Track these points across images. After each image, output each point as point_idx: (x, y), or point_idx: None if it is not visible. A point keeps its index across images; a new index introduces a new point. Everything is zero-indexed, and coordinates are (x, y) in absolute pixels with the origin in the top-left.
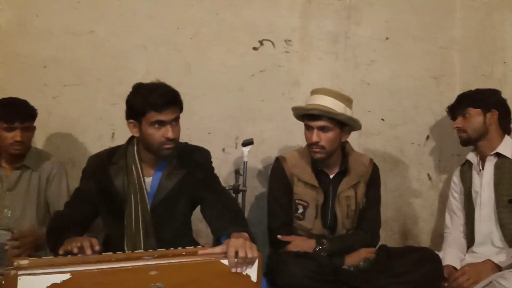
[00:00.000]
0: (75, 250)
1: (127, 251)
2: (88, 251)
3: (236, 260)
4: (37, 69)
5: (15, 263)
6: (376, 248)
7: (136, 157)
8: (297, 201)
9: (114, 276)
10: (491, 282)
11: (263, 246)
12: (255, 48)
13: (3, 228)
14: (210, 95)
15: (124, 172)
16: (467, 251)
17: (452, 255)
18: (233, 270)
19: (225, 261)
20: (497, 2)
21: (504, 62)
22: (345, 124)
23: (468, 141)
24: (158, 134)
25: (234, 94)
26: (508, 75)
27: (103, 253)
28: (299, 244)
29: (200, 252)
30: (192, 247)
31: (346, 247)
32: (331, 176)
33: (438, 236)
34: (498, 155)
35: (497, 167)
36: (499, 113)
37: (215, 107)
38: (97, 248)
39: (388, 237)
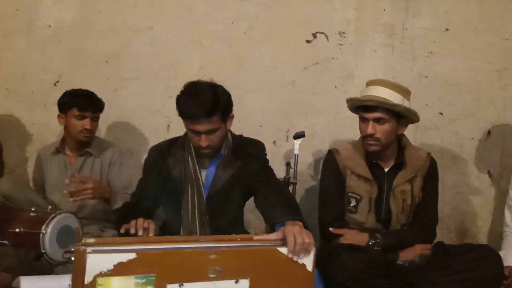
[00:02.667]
0: (132, 231)
1: None
2: (140, 232)
3: (294, 245)
4: (100, 63)
5: (83, 241)
6: (432, 245)
7: (193, 149)
8: (349, 194)
9: (177, 257)
10: None
11: (315, 240)
12: (308, 41)
13: (68, 211)
14: (262, 89)
15: (181, 163)
16: None
17: None
18: (291, 256)
19: (282, 249)
20: None
21: None
22: (402, 116)
23: None
24: (194, 140)
25: (286, 88)
26: None
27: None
28: (351, 237)
29: (255, 238)
30: (248, 234)
31: (400, 243)
32: (386, 170)
33: (498, 236)
34: None
35: None
36: None
37: (267, 101)
38: (151, 233)
39: (444, 235)
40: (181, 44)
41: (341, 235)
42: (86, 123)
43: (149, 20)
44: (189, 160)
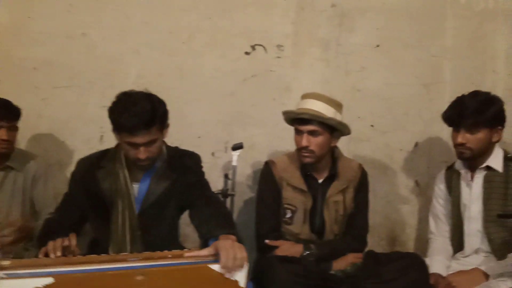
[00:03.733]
0: (51, 255)
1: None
2: (58, 253)
3: (226, 261)
4: (29, 71)
5: None
6: (364, 253)
7: (124, 161)
8: (285, 205)
9: (99, 281)
10: None
11: (251, 252)
12: (247, 53)
13: None
14: (202, 100)
15: (111, 177)
16: (453, 258)
17: (438, 263)
18: (223, 272)
19: (213, 266)
20: (488, 12)
21: (494, 71)
22: (335, 129)
23: (470, 158)
24: (131, 153)
25: (226, 99)
26: (498, 84)
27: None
28: (286, 248)
29: (186, 254)
30: (180, 250)
31: (333, 252)
32: (320, 181)
33: (425, 242)
34: (487, 167)
35: (486, 181)
36: (503, 128)
37: (207, 111)
38: (73, 242)
39: (375, 243)
40: (118, 52)
41: (277, 247)
42: (2, 133)
43: (83, 27)
44: (120, 173)
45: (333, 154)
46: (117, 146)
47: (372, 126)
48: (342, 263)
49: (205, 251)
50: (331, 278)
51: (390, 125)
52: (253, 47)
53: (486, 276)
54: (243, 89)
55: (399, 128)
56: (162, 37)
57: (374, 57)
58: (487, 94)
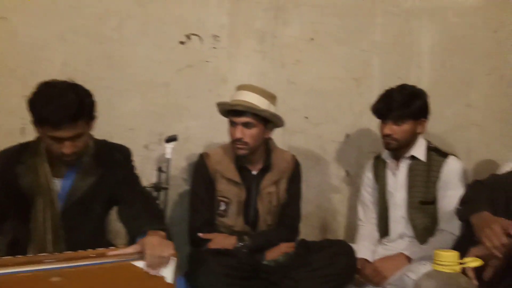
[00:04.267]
0: None
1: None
2: None
3: (151, 259)
4: None
5: None
6: (296, 242)
7: (45, 156)
8: (219, 198)
9: (12, 285)
10: (402, 275)
11: (186, 245)
12: (182, 43)
13: None
14: (134, 90)
15: (32, 172)
16: (380, 243)
17: (365, 248)
18: (148, 270)
19: (137, 263)
20: (415, 9)
21: (419, 66)
22: (269, 121)
23: (396, 149)
24: (54, 148)
25: (160, 89)
26: (422, 78)
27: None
28: (220, 241)
29: (109, 253)
30: (104, 248)
31: (267, 243)
32: (254, 173)
33: (354, 229)
34: (412, 157)
35: (410, 169)
36: (427, 120)
37: (139, 103)
38: None
39: (309, 231)
40: (42, 38)
41: (210, 240)
42: None
43: (3, 10)
44: (40, 168)
45: (267, 146)
46: (38, 138)
47: (306, 118)
48: (275, 253)
49: (130, 249)
50: (263, 268)
51: (322, 117)
52: (188, 37)
53: (409, 260)
54: (178, 79)
55: (331, 120)
56: (90, 23)
57: (308, 51)
58: (413, 88)
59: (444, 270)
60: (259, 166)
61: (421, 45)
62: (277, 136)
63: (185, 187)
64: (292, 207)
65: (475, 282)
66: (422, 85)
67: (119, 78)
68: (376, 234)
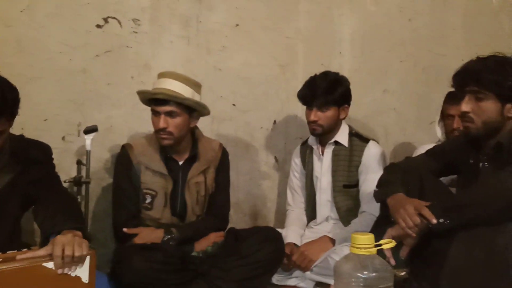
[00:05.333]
0: None
1: None
2: None
3: (63, 260)
4: None
5: None
6: (225, 231)
7: None
8: (144, 190)
9: None
10: (326, 257)
11: (112, 242)
12: (99, 26)
13: None
14: (48, 77)
15: None
16: (307, 226)
17: (293, 232)
18: (60, 271)
19: (49, 264)
20: None
21: (341, 53)
22: (194, 110)
23: (322, 134)
24: None
25: (76, 76)
26: (344, 65)
27: None
28: (146, 235)
29: (18, 257)
30: (15, 251)
31: (196, 234)
32: (181, 163)
33: (284, 214)
34: (336, 142)
35: (334, 154)
36: (349, 106)
37: (54, 91)
38: None
39: (239, 219)
40: None
41: (136, 235)
42: None
43: None
44: None
45: (193, 135)
46: None
47: (234, 105)
48: (204, 244)
49: (42, 251)
50: (192, 260)
51: (250, 104)
52: (105, 20)
53: (333, 242)
54: (96, 66)
55: (259, 107)
56: None
57: (234, 37)
58: (335, 75)
59: (360, 253)
60: (186, 155)
61: (342, 33)
62: (205, 124)
63: (108, 180)
64: (220, 196)
65: (392, 261)
66: (343, 72)
67: (30, 64)
68: (304, 218)
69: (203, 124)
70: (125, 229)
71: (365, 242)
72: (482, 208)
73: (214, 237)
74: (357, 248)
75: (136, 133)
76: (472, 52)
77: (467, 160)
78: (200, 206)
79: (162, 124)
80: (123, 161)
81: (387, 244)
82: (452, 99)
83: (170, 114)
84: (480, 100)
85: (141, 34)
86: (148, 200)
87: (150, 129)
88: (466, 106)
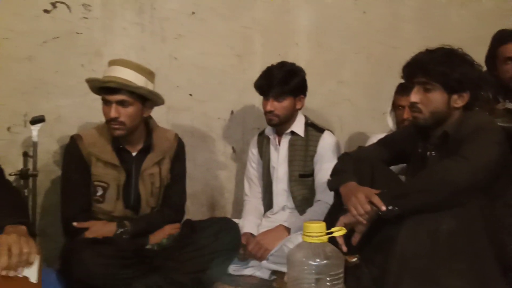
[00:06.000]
0: None
1: None
2: None
3: (10, 259)
4: None
5: None
6: (181, 223)
7: None
8: (95, 182)
9: None
10: (281, 246)
11: (62, 236)
12: (46, 11)
13: None
14: None
15: None
16: (264, 216)
17: (250, 222)
18: (4, 272)
19: None
20: None
21: (297, 44)
22: (147, 99)
23: (278, 125)
24: None
25: (22, 64)
26: (300, 55)
27: None
28: (98, 229)
29: None
30: None
31: (150, 226)
32: (134, 154)
33: (241, 205)
34: (292, 132)
35: (290, 144)
36: (305, 96)
37: None
38: None
39: (196, 210)
40: None
41: (87, 229)
42: None
43: None
44: None
45: (147, 125)
46: None
47: (190, 95)
48: (159, 236)
49: None
50: (146, 253)
51: (207, 94)
52: (53, 5)
53: (288, 231)
54: (44, 53)
55: (216, 97)
56: None
57: (190, 25)
58: (292, 65)
59: (312, 241)
60: (139, 146)
61: (299, 24)
62: (161, 114)
63: (58, 172)
64: (176, 188)
65: (344, 248)
66: (300, 62)
67: None
68: (261, 208)
69: (158, 114)
70: (75, 223)
71: (316, 230)
72: (428, 195)
73: (170, 229)
74: (309, 236)
75: (86, 124)
76: (422, 44)
77: (415, 149)
78: (154, 198)
79: (113, 113)
80: (72, 152)
81: (338, 231)
82: (402, 90)
83: (121, 103)
84: (428, 91)
85: (91, 20)
86: (100, 192)
87: (102, 119)
88: (414, 97)
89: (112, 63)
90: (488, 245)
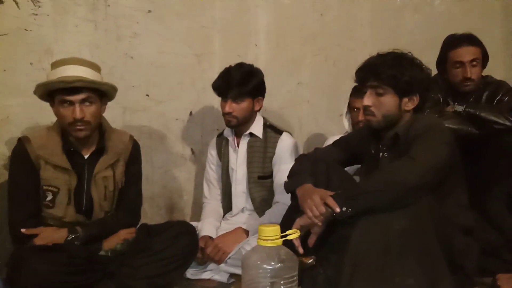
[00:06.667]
0: None
1: None
2: None
3: None
4: None
5: None
6: (137, 227)
7: None
8: (45, 187)
9: None
10: (239, 249)
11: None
12: None
13: None
14: None
15: None
16: (223, 218)
17: (209, 225)
18: None
19: None
20: None
21: (256, 45)
22: (103, 95)
23: (237, 126)
24: None
25: None
26: (259, 56)
27: None
28: (47, 235)
29: None
30: None
31: (104, 231)
32: (86, 156)
33: (200, 207)
34: (251, 134)
35: (249, 146)
36: (263, 97)
37: None
38: None
39: (155, 213)
40: None
41: (36, 235)
42: None
43: None
44: None
45: (100, 126)
46: None
47: (147, 95)
48: (113, 241)
49: None
50: (99, 259)
51: (165, 94)
52: (1, 1)
53: (247, 233)
54: None
55: (174, 97)
56: None
57: (146, 23)
58: (250, 67)
59: (267, 245)
60: (92, 148)
61: (258, 25)
62: (116, 115)
63: (6, 176)
64: (131, 191)
65: (300, 250)
66: (259, 63)
67: None
68: (220, 210)
69: (114, 115)
70: (23, 230)
71: (271, 233)
72: (379, 196)
73: (124, 234)
74: (263, 240)
75: (36, 125)
76: (378, 47)
77: (369, 150)
78: (108, 202)
79: (79, 114)
80: (19, 155)
81: (293, 234)
82: (357, 92)
83: (85, 102)
84: (380, 94)
85: (42, 16)
86: (49, 197)
87: (53, 120)
88: (367, 100)
89: (62, 62)
90: (438, 244)
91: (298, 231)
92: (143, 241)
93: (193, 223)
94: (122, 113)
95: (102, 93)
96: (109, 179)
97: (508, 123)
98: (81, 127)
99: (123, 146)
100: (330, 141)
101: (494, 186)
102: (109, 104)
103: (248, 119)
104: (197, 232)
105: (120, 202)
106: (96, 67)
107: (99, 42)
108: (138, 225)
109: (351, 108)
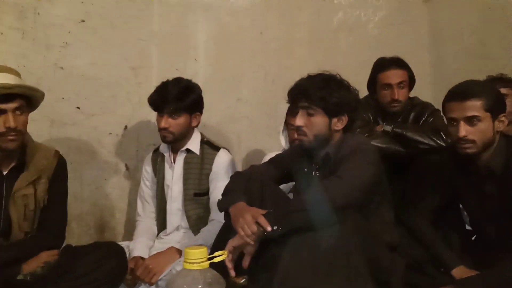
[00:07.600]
0: None
1: None
2: None
3: None
4: None
5: None
6: (61, 249)
7: None
8: None
9: None
10: (171, 270)
11: None
12: None
13: None
14: None
15: None
16: (157, 237)
17: (140, 244)
18: None
19: None
20: (190, 3)
21: (196, 60)
22: (30, 105)
23: (173, 142)
24: None
25: None
26: (199, 72)
27: None
28: None
29: None
30: None
31: (23, 254)
32: (5, 173)
33: (133, 225)
34: (187, 150)
35: (186, 162)
36: (201, 113)
37: None
38: None
39: (83, 233)
40: None
41: None
42: None
43: None
44: None
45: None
46: None
47: (78, 108)
48: (33, 265)
49: None
50: (17, 284)
51: (98, 107)
52: None
53: (180, 253)
54: None
55: (108, 111)
56: None
57: (79, 33)
58: (188, 82)
59: (192, 268)
60: (12, 164)
61: (197, 40)
62: (43, 128)
63: None
64: (55, 210)
65: (232, 273)
66: (198, 78)
67: None
68: (154, 229)
69: (39, 128)
70: None
71: (197, 256)
72: (308, 214)
73: (46, 257)
74: (189, 263)
75: None
76: (314, 66)
77: (302, 169)
78: (29, 222)
79: (13, 123)
80: None
81: (220, 256)
82: (292, 111)
83: (17, 111)
84: (311, 115)
85: None
86: None
87: None
88: (299, 121)
89: None
90: (365, 261)
91: (226, 252)
92: (66, 264)
93: (125, 243)
94: (49, 126)
95: (29, 103)
96: (30, 197)
97: (432, 143)
98: (13, 137)
99: (47, 162)
100: (268, 157)
101: (419, 203)
102: (34, 116)
103: (185, 135)
104: (129, 252)
105: (42, 222)
106: (17, 73)
107: (26, 51)
108: (62, 246)
109: (287, 125)
